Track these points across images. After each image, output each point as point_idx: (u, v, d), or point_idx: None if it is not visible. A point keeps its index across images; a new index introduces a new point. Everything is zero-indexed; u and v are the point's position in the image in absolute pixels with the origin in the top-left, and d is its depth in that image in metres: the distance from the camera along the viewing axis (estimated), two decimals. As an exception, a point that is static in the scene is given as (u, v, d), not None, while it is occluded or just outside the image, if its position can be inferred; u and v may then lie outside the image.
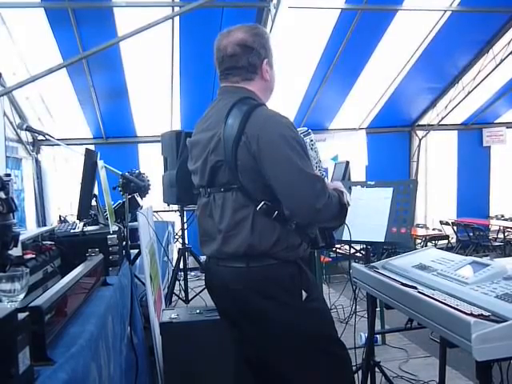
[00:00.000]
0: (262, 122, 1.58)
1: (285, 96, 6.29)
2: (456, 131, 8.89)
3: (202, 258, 3.72)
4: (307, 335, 1.60)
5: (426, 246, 7.28)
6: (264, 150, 1.54)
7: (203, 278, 1.88)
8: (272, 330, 1.59)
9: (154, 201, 4.19)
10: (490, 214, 9.04)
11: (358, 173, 7.69)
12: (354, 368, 2.83)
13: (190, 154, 1.81)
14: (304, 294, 1.61)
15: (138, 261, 2.83)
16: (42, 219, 7.08)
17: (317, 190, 1.52)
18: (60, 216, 4.50)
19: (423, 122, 8.52)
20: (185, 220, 4.34)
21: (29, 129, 2.61)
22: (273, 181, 1.55)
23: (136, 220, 2.65)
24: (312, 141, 1.82)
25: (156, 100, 6.67)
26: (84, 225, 2.22)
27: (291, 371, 1.61)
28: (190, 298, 4.25)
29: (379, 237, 2.79)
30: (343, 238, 2.44)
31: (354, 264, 2.14)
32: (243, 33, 1.71)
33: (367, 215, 2.83)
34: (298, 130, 1.77)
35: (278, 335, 1.59)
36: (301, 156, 1.55)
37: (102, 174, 2.35)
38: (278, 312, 1.58)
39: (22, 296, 1.09)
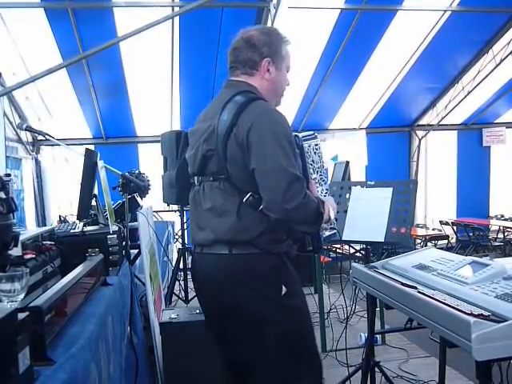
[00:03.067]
0: (255, 115, 1.60)
1: (285, 96, 6.28)
2: (456, 131, 8.89)
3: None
4: (281, 331, 1.61)
5: (425, 246, 7.28)
6: (252, 143, 1.57)
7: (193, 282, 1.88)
8: (246, 319, 1.61)
9: (153, 201, 4.19)
10: (490, 214, 9.04)
11: (357, 173, 7.69)
12: (353, 368, 2.85)
13: (189, 144, 1.86)
14: (284, 288, 1.63)
15: (137, 261, 2.83)
16: (41, 219, 7.07)
17: (291, 189, 1.54)
18: (60, 216, 4.50)
19: (423, 122, 8.52)
20: (185, 220, 4.34)
21: (29, 129, 2.61)
22: (256, 174, 1.58)
23: (136, 220, 2.65)
24: (317, 145, 1.83)
25: (156, 100, 6.67)
26: (84, 225, 2.22)
27: (260, 366, 1.62)
28: (189, 298, 4.25)
29: (379, 237, 2.79)
30: (343, 238, 2.44)
31: (353, 264, 2.14)
32: (255, 31, 1.77)
33: (367, 215, 2.83)
34: (305, 133, 1.81)
35: (251, 326, 1.61)
36: (286, 154, 1.57)
37: (102, 174, 2.35)
38: (255, 302, 1.61)
39: (21, 296, 1.09)
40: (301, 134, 1.83)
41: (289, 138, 1.62)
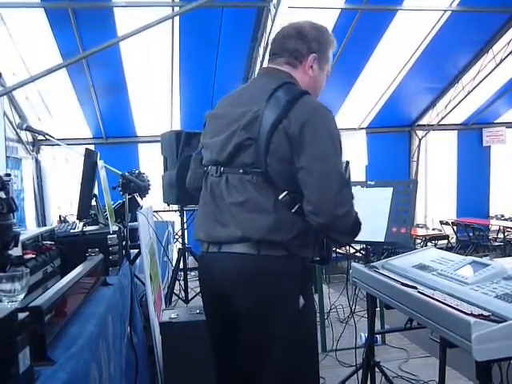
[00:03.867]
0: (309, 110, 1.51)
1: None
2: (456, 131, 8.89)
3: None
4: (293, 340, 1.52)
5: (425, 245, 7.28)
6: (306, 140, 1.46)
7: (201, 283, 1.77)
8: (262, 324, 1.52)
9: (154, 201, 4.19)
10: (490, 214, 9.03)
11: (357, 173, 7.69)
12: (353, 368, 2.85)
13: (207, 128, 1.72)
14: (302, 300, 1.54)
15: (137, 261, 2.83)
16: (41, 219, 7.07)
17: (343, 194, 1.47)
18: (60, 216, 4.49)
19: (423, 121, 8.52)
20: (185, 220, 4.34)
21: (29, 129, 2.61)
22: (304, 173, 1.47)
23: (136, 220, 2.65)
24: None
25: (156, 100, 6.67)
26: (84, 225, 2.22)
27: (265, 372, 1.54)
28: (189, 297, 4.25)
29: (379, 237, 2.78)
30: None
31: (353, 264, 2.14)
32: (306, 22, 1.67)
33: (367, 215, 2.80)
34: None
35: (267, 330, 1.52)
36: (339, 158, 1.50)
37: (102, 173, 2.35)
38: (274, 307, 1.50)
39: (22, 296, 1.09)
40: None
41: (339, 137, 1.53)
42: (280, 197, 1.50)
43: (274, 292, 1.50)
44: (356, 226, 1.55)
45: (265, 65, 1.73)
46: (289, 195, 1.50)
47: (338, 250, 3.94)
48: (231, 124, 1.57)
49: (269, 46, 1.74)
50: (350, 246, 3.91)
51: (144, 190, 3.20)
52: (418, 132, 8.70)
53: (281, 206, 1.50)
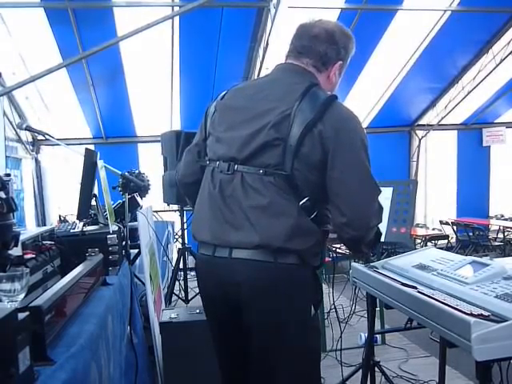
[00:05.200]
0: (344, 116, 1.46)
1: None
2: (456, 131, 8.89)
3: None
4: (300, 351, 1.49)
5: (425, 245, 7.28)
6: (342, 146, 1.41)
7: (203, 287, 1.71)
8: (281, 334, 1.46)
9: (153, 201, 4.19)
10: (490, 214, 9.04)
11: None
12: (353, 368, 2.85)
13: (220, 118, 1.57)
14: (313, 310, 1.50)
15: (137, 261, 2.83)
16: (41, 219, 7.07)
17: (376, 207, 1.47)
18: (60, 216, 4.49)
19: (423, 121, 8.52)
20: (185, 220, 4.34)
21: (28, 128, 2.61)
22: (338, 182, 1.41)
23: (136, 220, 2.65)
24: None
25: (156, 100, 6.67)
26: (84, 225, 2.22)
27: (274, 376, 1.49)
28: (189, 297, 4.25)
29: (379, 237, 2.78)
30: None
31: (353, 264, 2.14)
32: (335, 26, 1.61)
33: (367, 215, 2.82)
34: None
35: (278, 341, 1.47)
36: (369, 167, 1.46)
37: (102, 173, 2.35)
38: (292, 318, 1.46)
39: (22, 296, 1.09)
40: None
41: (368, 146, 1.48)
42: (301, 202, 1.43)
43: (287, 302, 1.44)
44: (377, 237, 1.54)
45: (284, 60, 1.62)
46: (309, 201, 1.43)
47: (337, 250, 3.93)
48: (255, 120, 1.47)
49: (295, 39, 1.62)
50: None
51: (144, 189, 3.20)
52: (417, 132, 8.70)
53: (303, 213, 1.43)
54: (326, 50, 1.56)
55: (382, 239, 2.78)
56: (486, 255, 3.04)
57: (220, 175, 1.51)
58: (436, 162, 8.79)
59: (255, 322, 1.49)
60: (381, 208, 1.51)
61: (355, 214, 1.42)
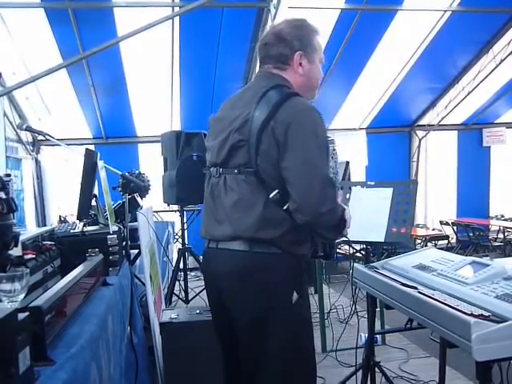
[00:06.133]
0: (295, 111, 1.55)
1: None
2: (456, 131, 8.88)
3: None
4: (284, 338, 1.56)
5: (425, 246, 7.28)
6: (290, 140, 1.52)
7: (203, 277, 1.86)
8: (254, 319, 1.57)
9: (154, 201, 4.19)
10: (490, 214, 9.03)
11: (357, 173, 7.69)
12: (353, 368, 2.85)
13: (210, 131, 1.80)
14: (295, 295, 1.58)
15: (137, 261, 2.83)
16: (41, 219, 7.07)
17: (326, 193, 1.51)
18: (60, 216, 4.50)
19: (423, 122, 8.51)
20: (185, 220, 4.34)
21: (29, 129, 2.61)
22: (288, 172, 1.52)
23: (136, 220, 2.65)
24: (334, 150, 1.82)
25: (156, 100, 6.67)
26: (84, 225, 2.22)
27: (263, 366, 1.58)
28: (189, 298, 4.26)
29: (379, 237, 2.79)
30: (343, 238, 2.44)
31: (354, 264, 2.14)
32: (284, 24, 1.72)
33: (367, 215, 2.82)
34: None
35: (258, 326, 1.57)
36: (323, 155, 1.54)
37: (102, 174, 2.35)
38: (265, 304, 1.56)
39: (22, 296, 1.09)
40: None
41: (325, 138, 1.59)
42: (271, 195, 1.55)
43: (265, 288, 1.55)
44: (341, 222, 1.60)
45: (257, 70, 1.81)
46: (279, 193, 1.55)
47: (338, 250, 3.94)
48: (227, 127, 1.64)
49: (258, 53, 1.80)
50: (349, 245, 3.91)
51: (144, 190, 3.21)
52: (418, 132, 8.70)
53: (271, 205, 1.55)
54: (279, 50, 1.68)
55: (382, 239, 2.80)
56: (486, 255, 3.04)
57: (212, 179, 1.71)
58: (436, 162, 8.79)
59: (234, 309, 1.63)
60: (335, 195, 1.56)
61: (303, 199, 1.51)
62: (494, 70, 6.99)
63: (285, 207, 1.55)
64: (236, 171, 1.60)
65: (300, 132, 1.53)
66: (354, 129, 8.31)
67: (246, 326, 1.61)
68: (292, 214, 1.54)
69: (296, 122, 1.53)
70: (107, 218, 2.31)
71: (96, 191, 2.47)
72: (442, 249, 2.27)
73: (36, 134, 6.29)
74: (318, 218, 1.51)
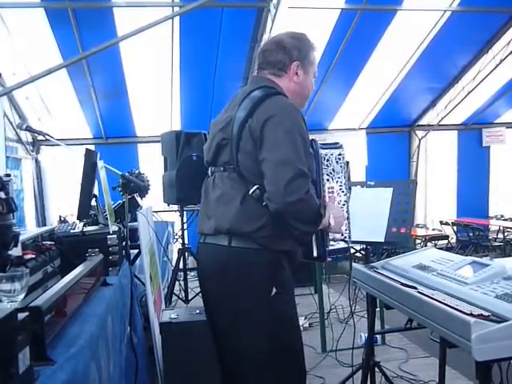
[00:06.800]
0: (272, 109, 1.62)
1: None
2: (456, 131, 8.88)
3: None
4: (266, 332, 1.60)
5: (425, 246, 7.28)
6: (265, 135, 1.58)
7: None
8: (234, 312, 1.63)
9: (153, 201, 4.19)
10: (490, 214, 9.03)
11: (357, 173, 7.69)
12: (354, 368, 2.85)
13: (208, 135, 1.90)
14: (274, 290, 1.61)
15: (137, 261, 2.83)
16: (41, 219, 7.07)
17: (295, 182, 1.54)
18: (60, 216, 4.50)
19: (423, 122, 8.51)
20: (185, 220, 4.34)
21: (28, 129, 2.61)
22: (263, 164, 1.58)
23: (136, 220, 2.65)
24: (340, 155, 1.83)
25: (156, 100, 6.67)
26: (84, 225, 2.22)
27: (246, 356, 1.63)
28: (189, 298, 4.25)
29: (379, 237, 2.78)
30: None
31: (353, 264, 2.14)
32: (285, 35, 1.81)
33: (367, 215, 2.82)
34: (330, 141, 1.85)
35: (239, 320, 1.62)
36: (296, 148, 1.58)
37: (102, 174, 2.35)
38: (243, 297, 1.61)
39: (22, 296, 1.09)
40: (325, 142, 1.86)
41: (303, 134, 1.63)
42: (251, 191, 1.62)
43: (241, 281, 1.61)
44: (315, 215, 1.62)
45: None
46: (259, 189, 1.61)
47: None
48: (217, 128, 1.75)
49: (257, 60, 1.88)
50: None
51: (144, 190, 3.20)
52: (417, 132, 8.70)
53: (249, 199, 1.63)
54: (278, 57, 1.77)
55: (382, 239, 2.80)
56: (486, 255, 3.04)
57: (208, 178, 1.81)
58: (436, 162, 8.79)
59: (212, 302, 1.73)
60: (307, 187, 1.58)
61: (272, 188, 1.56)
62: (493, 69, 6.99)
63: (264, 203, 1.60)
64: (222, 169, 1.71)
65: (275, 126, 1.58)
66: (354, 129, 8.31)
67: (222, 330, 1.69)
68: (266, 202, 1.59)
69: (271, 119, 1.59)
70: (107, 218, 2.31)
71: (96, 191, 2.47)
72: (441, 249, 2.27)
73: (36, 134, 6.29)
74: (287, 208, 1.54)
